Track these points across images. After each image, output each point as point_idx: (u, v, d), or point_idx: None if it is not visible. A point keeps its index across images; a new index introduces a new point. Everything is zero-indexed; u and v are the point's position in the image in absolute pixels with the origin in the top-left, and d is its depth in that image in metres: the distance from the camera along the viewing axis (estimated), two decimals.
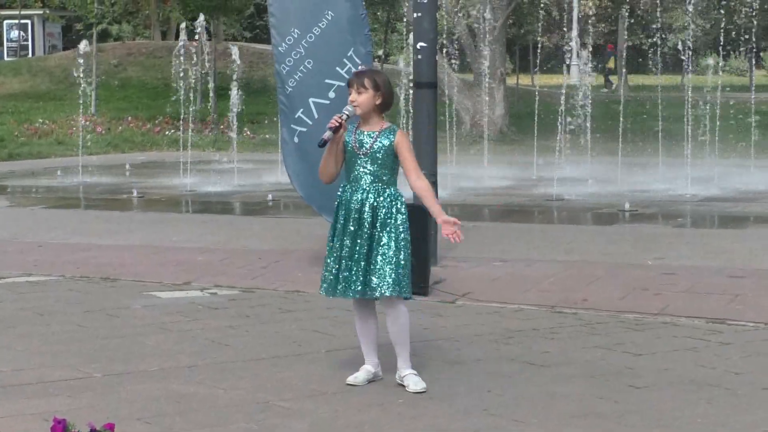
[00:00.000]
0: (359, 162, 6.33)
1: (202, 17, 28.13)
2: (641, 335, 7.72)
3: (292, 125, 10.04)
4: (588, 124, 18.57)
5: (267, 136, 27.87)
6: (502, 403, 6.07)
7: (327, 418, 5.81)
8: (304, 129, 9.96)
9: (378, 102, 6.34)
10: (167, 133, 29.12)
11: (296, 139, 10.02)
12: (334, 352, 7.22)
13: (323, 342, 7.52)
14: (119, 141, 27.41)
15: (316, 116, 9.91)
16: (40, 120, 31.15)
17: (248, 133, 28.98)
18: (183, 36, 25.78)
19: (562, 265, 10.35)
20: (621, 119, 19.32)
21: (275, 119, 18.43)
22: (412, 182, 6.37)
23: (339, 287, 6.31)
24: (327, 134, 6.32)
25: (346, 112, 6.36)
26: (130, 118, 31.91)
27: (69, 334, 7.78)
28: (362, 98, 6.33)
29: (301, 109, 9.96)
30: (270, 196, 16.83)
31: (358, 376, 6.41)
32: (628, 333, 7.79)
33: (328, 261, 6.37)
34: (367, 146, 6.31)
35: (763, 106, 21.31)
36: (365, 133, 6.36)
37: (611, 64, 52.02)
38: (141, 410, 5.92)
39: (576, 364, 6.91)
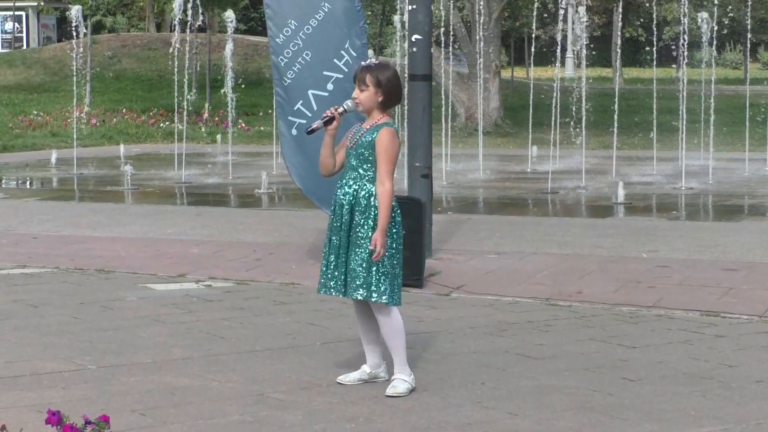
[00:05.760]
0: (349, 156, 6.16)
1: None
2: (635, 328, 7.73)
3: (289, 117, 10.01)
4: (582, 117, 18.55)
5: (262, 128, 27.84)
6: (496, 396, 6.08)
7: (321, 410, 5.81)
8: (304, 121, 9.93)
9: (380, 100, 6.10)
10: (162, 125, 29.09)
11: (294, 131, 10.00)
12: (328, 345, 7.22)
13: (318, 334, 7.52)
14: (114, 133, 27.38)
15: (315, 108, 9.89)
16: (35, 112, 31.11)
17: (243, 125, 28.95)
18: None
19: (556, 258, 10.36)
20: (616, 112, 19.30)
21: (270, 111, 18.38)
22: (377, 184, 6.05)
23: (326, 284, 6.17)
24: (317, 123, 6.18)
25: (345, 107, 6.17)
26: (124, 110, 31.88)
27: (63, 326, 7.78)
28: (363, 96, 6.10)
29: (300, 101, 9.94)
30: (265, 188, 16.82)
31: (349, 375, 6.32)
32: (622, 326, 7.80)
33: (323, 256, 6.25)
34: (354, 140, 6.13)
35: (761, 99, 21.32)
36: (362, 128, 6.17)
37: None
38: (135, 402, 5.93)
39: (570, 357, 6.92)
